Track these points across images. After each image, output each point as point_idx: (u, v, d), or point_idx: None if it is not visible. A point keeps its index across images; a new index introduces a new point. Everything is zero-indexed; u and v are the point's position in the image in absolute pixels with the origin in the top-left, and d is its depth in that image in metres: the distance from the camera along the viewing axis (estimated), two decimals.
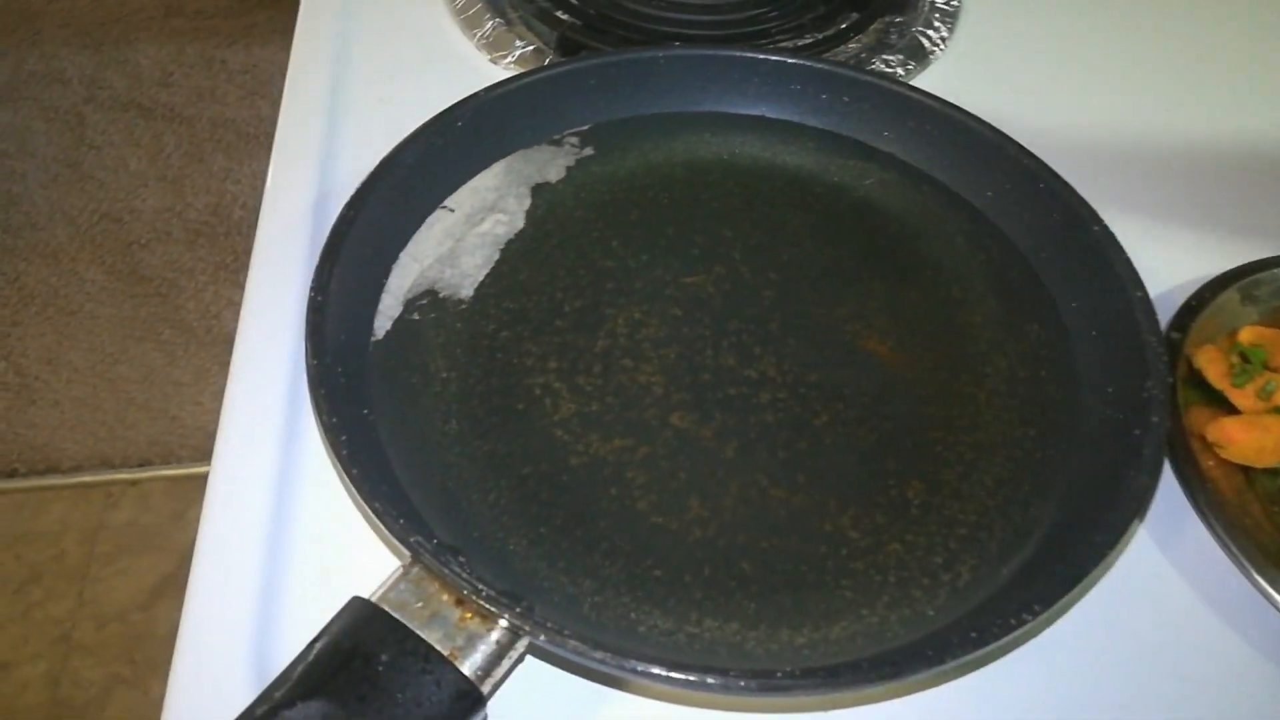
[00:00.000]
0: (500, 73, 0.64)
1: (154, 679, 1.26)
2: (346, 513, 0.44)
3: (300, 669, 0.34)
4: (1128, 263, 0.48)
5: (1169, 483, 0.47)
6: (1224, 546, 0.45)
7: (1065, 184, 0.52)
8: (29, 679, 1.25)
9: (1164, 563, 0.46)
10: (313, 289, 0.44)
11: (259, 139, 1.86)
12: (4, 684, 1.25)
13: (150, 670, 1.27)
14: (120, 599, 1.32)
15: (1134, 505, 0.40)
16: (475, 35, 0.66)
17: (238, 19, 2.06)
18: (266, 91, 1.93)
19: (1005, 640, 0.37)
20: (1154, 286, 0.49)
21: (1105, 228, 0.50)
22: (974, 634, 0.36)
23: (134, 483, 1.43)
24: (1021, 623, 0.36)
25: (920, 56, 0.67)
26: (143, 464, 1.44)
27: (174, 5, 2.09)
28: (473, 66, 0.65)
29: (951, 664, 0.36)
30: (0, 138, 1.84)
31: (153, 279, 1.65)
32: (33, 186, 1.77)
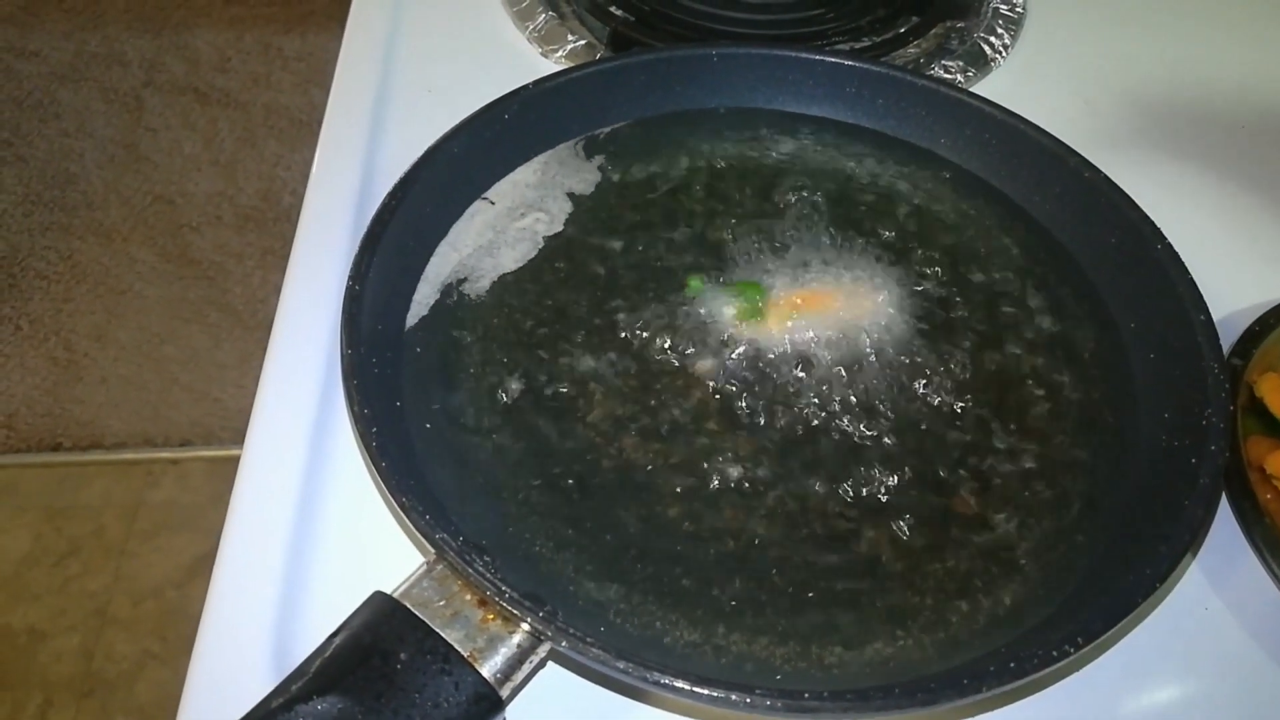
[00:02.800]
0: (551, 66, 0.63)
1: (185, 657, 1.25)
2: (374, 505, 0.44)
3: (318, 663, 0.34)
4: (1191, 284, 0.46)
5: (1224, 515, 0.45)
6: None
7: (1128, 198, 0.50)
8: (63, 650, 1.27)
9: (1215, 599, 0.44)
10: (351, 278, 0.44)
11: (311, 126, 1.87)
12: (39, 654, 1.26)
13: (182, 648, 1.27)
14: (156, 576, 1.34)
15: (1187, 537, 0.39)
16: (527, 28, 0.65)
17: (295, 6, 2.08)
18: (321, 79, 1.95)
19: (1045, 672, 0.35)
20: (1217, 310, 0.47)
21: (1169, 246, 0.48)
22: (1012, 664, 0.35)
23: (175, 462, 1.45)
24: (1064, 655, 0.35)
25: (981, 63, 0.65)
26: (184, 444, 1.46)
27: None
28: (523, 60, 0.64)
29: (987, 694, 0.34)
30: (60, 117, 1.88)
31: (201, 262, 1.67)
32: (90, 166, 1.80)
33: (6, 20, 2.03)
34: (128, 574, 1.34)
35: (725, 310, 0.49)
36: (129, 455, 1.45)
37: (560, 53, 0.64)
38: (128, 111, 1.89)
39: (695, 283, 0.50)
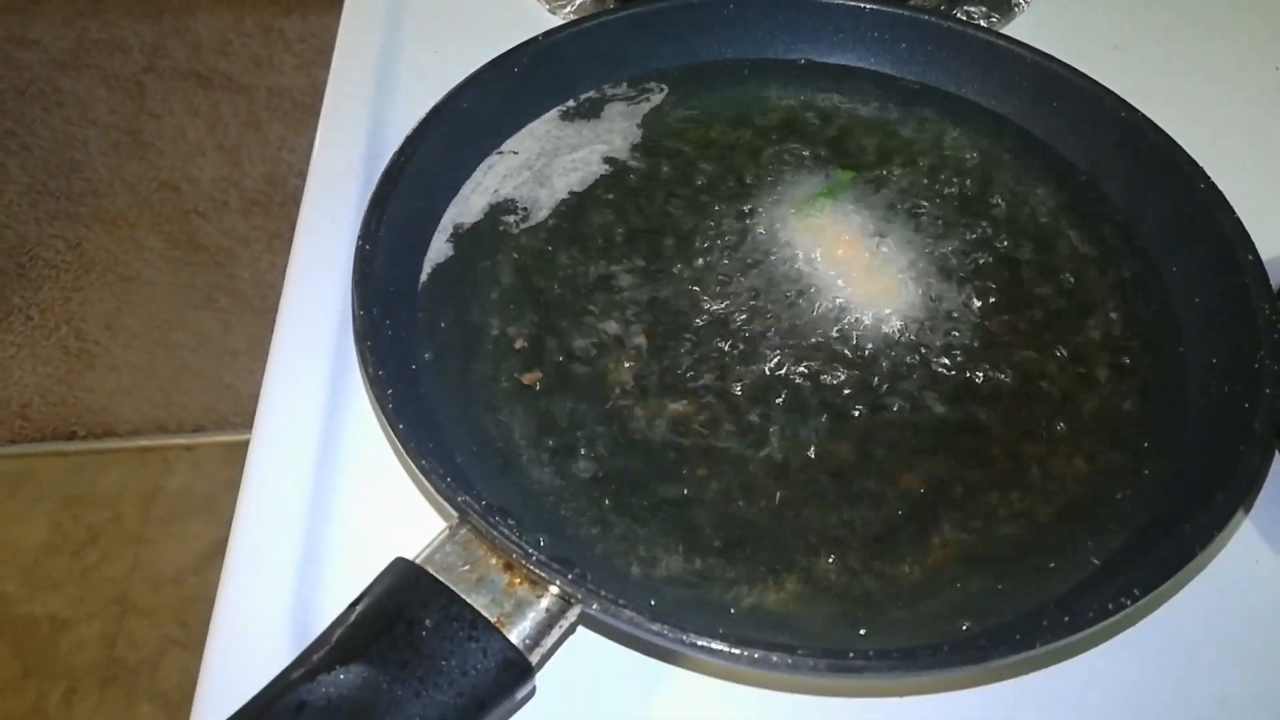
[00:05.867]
0: (559, 23, 0.61)
1: (206, 642, 1.27)
2: (391, 471, 0.42)
3: (340, 632, 0.32)
4: (1237, 222, 0.44)
5: (1274, 468, 0.43)
6: None
7: (1168, 137, 0.48)
8: (85, 638, 1.27)
9: (1265, 548, 0.43)
10: (360, 237, 0.42)
11: (315, 108, 1.83)
12: (61, 642, 1.26)
13: (203, 634, 1.27)
14: (174, 562, 1.34)
15: (1244, 485, 0.37)
16: None
17: None
18: (323, 60, 1.92)
19: (1100, 626, 0.33)
20: (1262, 253, 0.44)
21: (1212, 184, 0.46)
22: (1066, 618, 0.33)
23: (189, 448, 1.44)
24: (1119, 607, 0.33)
25: (1005, 8, 0.63)
26: (198, 430, 1.45)
27: None
28: (531, 16, 0.62)
29: (1040, 650, 0.33)
30: (63, 105, 1.86)
31: (209, 247, 1.66)
32: (94, 154, 1.79)
33: (6, 9, 2.01)
34: (146, 561, 1.34)
35: (762, 270, 0.47)
36: (143, 442, 1.45)
37: (569, 8, 0.62)
38: (130, 98, 1.88)
39: (844, 173, 0.50)
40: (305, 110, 1.86)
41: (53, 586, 1.31)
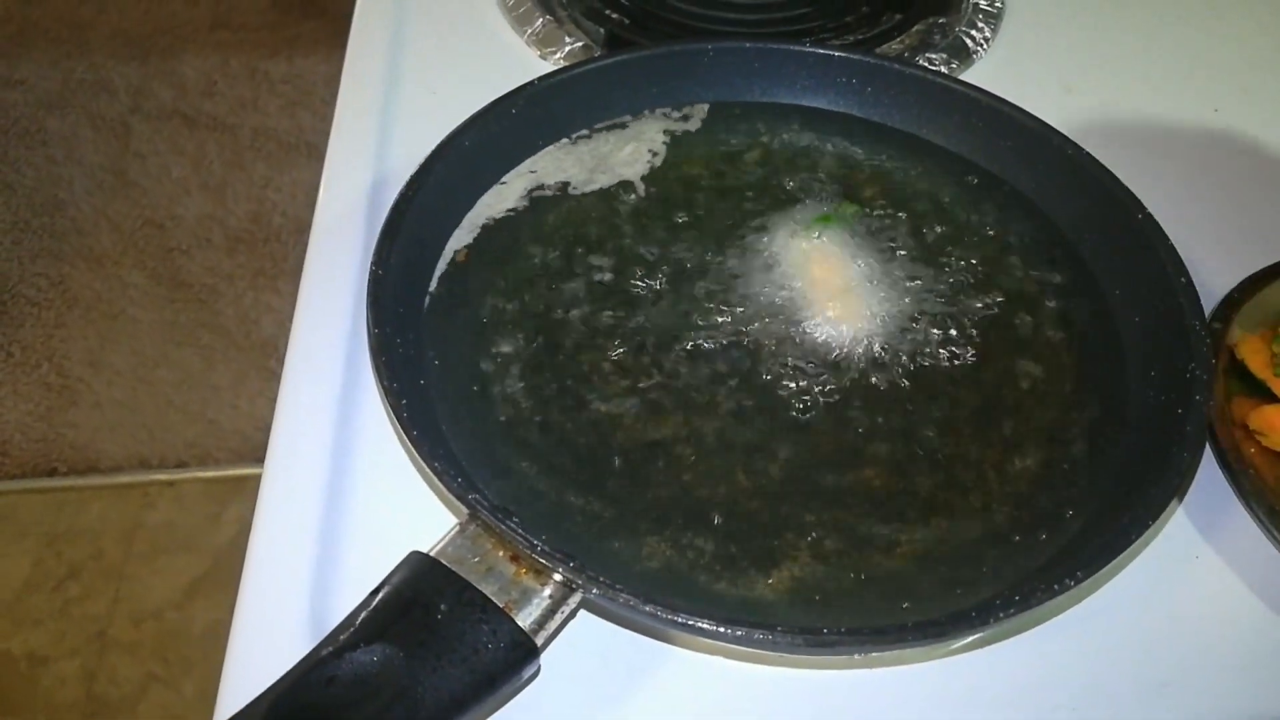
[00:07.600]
0: (549, 68, 0.65)
1: (187, 678, 1.27)
2: (401, 480, 0.45)
3: (363, 615, 0.36)
4: (1171, 249, 0.49)
5: (1211, 470, 0.48)
6: (1265, 530, 0.45)
7: (1109, 173, 0.52)
8: (66, 674, 1.27)
9: (1204, 546, 0.47)
10: (374, 263, 0.46)
11: (299, 148, 1.89)
12: (42, 679, 1.26)
13: (184, 669, 1.28)
14: (156, 598, 1.34)
15: (1176, 480, 0.41)
16: (525, 32, 0.68)
17: (280, 31, 2.09)
18: (307, 101, 1.97)
19: (1047, 605, 0.37)
20: (1198, 279, 0.49)
21: (1149, 215, 0.50)
22: (1017, 598, 0.37)
23: (171, 484, 1.45)
24: (1064, 588, 0.37)
25: (963, 56, 0.68)
26: (180, 465, 1.46)
27: (219, 18, 2.13)
28: (522, 62, 0.66)
29: (994, 626, 0.37)
30: (49, 144, 1.89)
31: (193, 285, 1.68)
32: (79, 193, 1.81)
33: None
34: (127, 596, 1.34)
35: (736, 300, 0.51)
36: (125, 479, 1.45)
37: (558, 54, 0.66)
38: (116, 138, 1.90)
39: (849, 205, 0.55)
40: (289, 150, 1.89)
41: (33, 623, 1.31)
